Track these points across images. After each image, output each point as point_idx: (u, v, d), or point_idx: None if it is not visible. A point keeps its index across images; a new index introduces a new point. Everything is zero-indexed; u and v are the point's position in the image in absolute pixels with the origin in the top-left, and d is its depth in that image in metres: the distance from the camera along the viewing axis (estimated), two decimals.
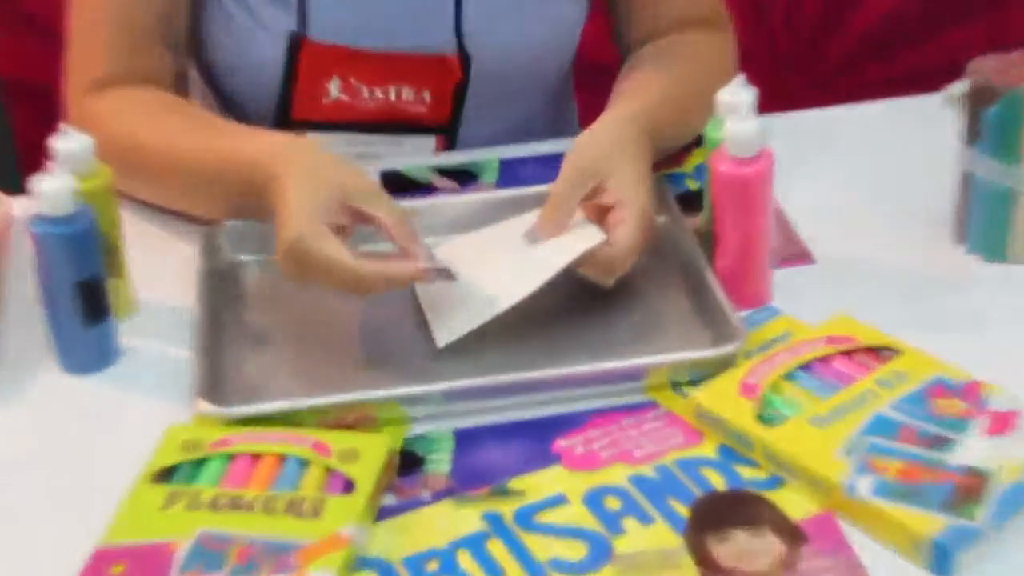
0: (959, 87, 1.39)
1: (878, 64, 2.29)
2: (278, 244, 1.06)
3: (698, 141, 1.35)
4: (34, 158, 1.20)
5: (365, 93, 1.35)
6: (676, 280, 1.17)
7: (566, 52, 1.42)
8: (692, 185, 1.30)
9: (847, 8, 2.22)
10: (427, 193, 1.32)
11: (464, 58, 1.35)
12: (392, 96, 1.36)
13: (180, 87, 1.35)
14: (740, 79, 1.15)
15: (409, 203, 1.19)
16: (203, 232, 1.20)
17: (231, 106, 1.41)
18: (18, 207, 1.26)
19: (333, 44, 1.32)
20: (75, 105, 1.30)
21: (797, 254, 1.21)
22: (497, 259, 1.13)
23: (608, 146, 1.16)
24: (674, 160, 1.34)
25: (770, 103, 1.20)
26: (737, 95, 1.12)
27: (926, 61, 2.29)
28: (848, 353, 1.05)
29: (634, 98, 1.29)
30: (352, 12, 1.33)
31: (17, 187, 1.21)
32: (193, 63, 1.43)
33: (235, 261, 1.21)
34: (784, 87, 2.11)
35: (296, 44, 1.31)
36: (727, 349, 1.04)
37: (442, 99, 1.37)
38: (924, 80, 2.14)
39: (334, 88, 1.34)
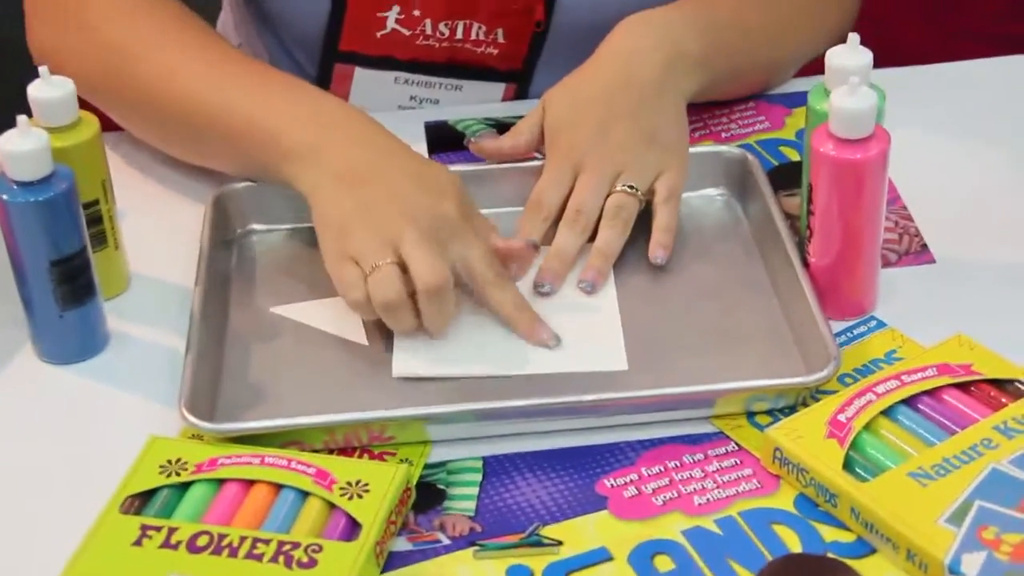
0: None
1: None
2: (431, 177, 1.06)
3: (798, 98, 1.29)
4: None
5: (427, 27, 1.32)
6: (760, 280, 1.11)
7: None
8: (792, 155, 1.22)
9: None
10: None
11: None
12: (459, 33, 1.33)
13: None
14: (854, 38, 1.05)
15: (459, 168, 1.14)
16: (212, 196, 1.17)
17: (274, 21, 1.38)
18: None
19: None
20: None
21: (913, 252, 1.14)
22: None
23: (600, 112, 1.15)
24: (773, 122, 1.27)
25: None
26: (848, 58, 1.04)
27: None
28: (965, 386, 0.98)
29: (688, 2, 1.25)
30: None
31: None
32: None
33: (246, 232, 1.18)
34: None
35: None
36: (817, 377, 0.97)
37: (517, 41, 1.34)
38: None
39: (391, 17, 1.31)
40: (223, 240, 1.15)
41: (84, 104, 1.14)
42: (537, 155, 1.20)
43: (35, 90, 1.02)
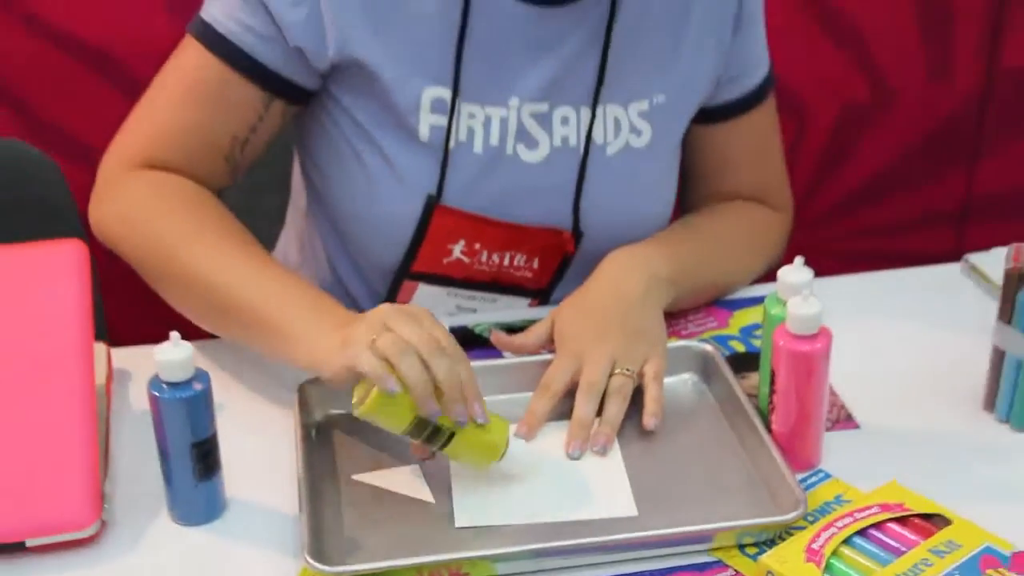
0: (977, 258, 1.46)
1: (868, 210, 2.36)
2: (363, 319, 1.10)
3: (738, 303, 1.40)
4: None
5: (483, 256, 1.37)
6: (733, 441, 1.19)
7: (666, 220, 1.44)
8: (739, 347, 1.33)
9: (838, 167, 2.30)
10: (485, 348, 1.32)
11: (577, 233, 1.37)
12: (506, 261, 1.38)
13: (221, 192, 1.33)
14: (799, 261, 1.16)
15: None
16: (297, 389, 1.21)
17: (354, 247, 1.41)
18: (118, 359, 1.30)
19: (464, 211, 1.33)
20: (117, 163, 1.29)
21: (841, 420, 1.22)
22: (539, 469, 1.16)
23: (598, 318, 1.23)
24: (720, 322, 1.37)
25: None
26: (799, 276, 1.14)
27: (909, 212, 2.37)
28: (902, 520, 1.06)
29: (665, 242, 1.35)
30: (485, 184, 1.33)
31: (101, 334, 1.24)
32: (315, 201, 1.43)
33: (327, 416, 1.22)
34: None
35: (431, 206, 1.32)
36: (793, 515, 1.05)
37: (548, 267, 1.40)
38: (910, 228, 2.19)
39: (457, 249, 1.35)
40: (310, 422, 1.20)
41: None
42: (544, 352, 1.26)
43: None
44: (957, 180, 2.36)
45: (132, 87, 1.99)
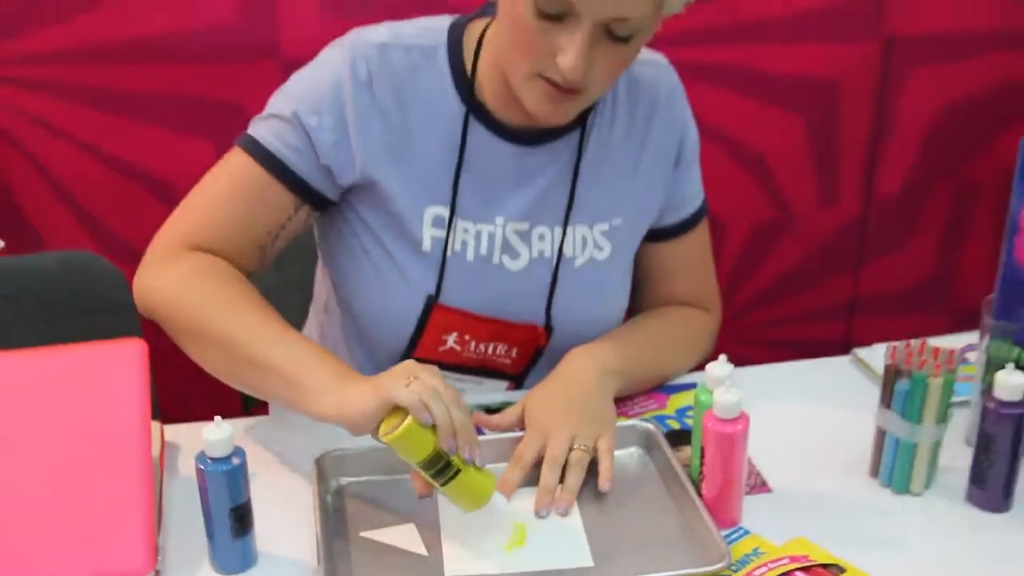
0: (863, 352, 1.47)
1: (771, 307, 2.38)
2: (392, 371, 1.09)
3: (674, 388, 1.40)
4: None
5: (472, 346, 1.35)
6: (671, 504, 1.18)
7: (620, 319, 1.43)
8: (675, 425, 1.33)
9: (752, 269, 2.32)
10: None
11: (549, 328, 1.36)
12: (490, 351, 1.37)
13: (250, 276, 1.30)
14: (723, 358, 1.17)
15: None
16: (315, 461, 1.20)
17: (365, 336, 1.38)
18: (168, 433, 1.29)
19: (460, 309, 1.32)
20: (165, 244, 1.27)
21: (758, 485, 1.23)
22: (512, 527, 1.15)
23: (560, 403, 1.23)
24: (659, 404, 1.37)
25: None
26: (722, 370, 1.16)
27: (807, 307, 2.38)
28: (807, 569, 1.07)
29: (616, 339, 1.35)
30: (475, 287, 1.33)
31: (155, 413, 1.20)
32: (334, 294, 1.41)
33: (340, 484, 1.21)
34: None
35: (430, 305, 1.31)
36: (719, 565, 1.05)
37: (524, 355, 1.39)
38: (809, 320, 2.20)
39: (451, 339, 1.34)
40: (325, 489, 1.18)
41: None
42: (517, 430, 1.25)
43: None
44: (844, 283, 2.38)
45: None
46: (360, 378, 1.13)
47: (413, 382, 1.06)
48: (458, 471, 1.09)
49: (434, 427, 1.07)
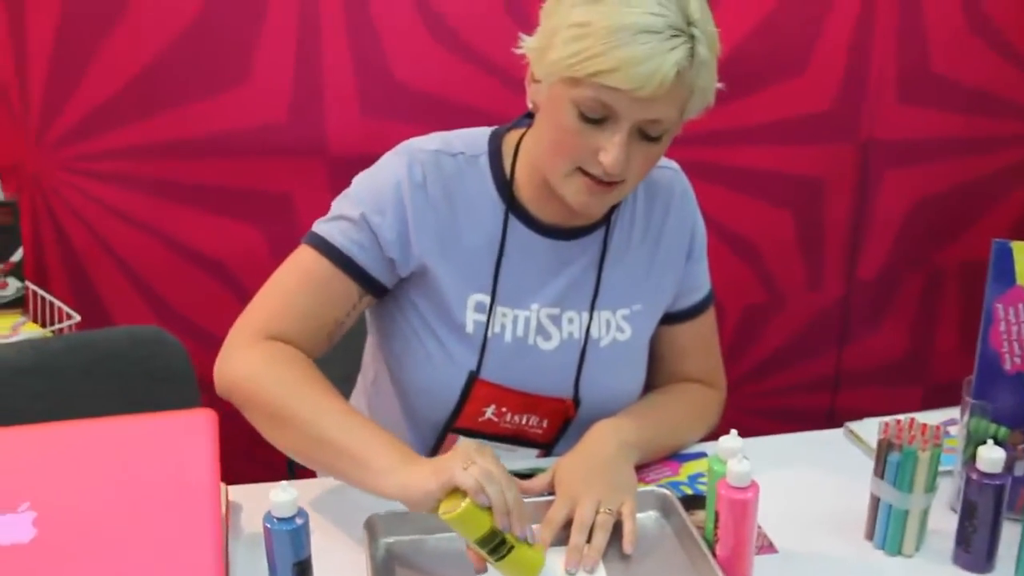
0: (855, 426, 1.48)
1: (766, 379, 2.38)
2: (454, 450, 1.09)
3: (686, 457, 1.40)
4: None
5: (508, 417, 1.35)
6: (686, 563, 1.17)
7: (639, 393, 1.42)
8: (688, 491, 1.32)
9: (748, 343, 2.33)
10: None
11: (576, 401, 1.36)
12: (524, 421, 1.36)
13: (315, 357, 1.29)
14: (734, 432, 1.17)
15: None
16: (365, 523, 1.20)
17: (412, 407, 1.37)
18: (236, 494, 1.29)
19: (498, 384, 1.32)
20: (243, 334, 1.26)
21: (766, 546, 1.22)
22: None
23: (586, 472, 1.23)
24: (673, 471, 1.37)
25: None
26: (734, 443, 1.16)
27: (796, 380, 2.39)
28: None
29: (635, 414, 1.35)
30: (511, 365, 1.33)
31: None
32: (384, 370, 1.40)
33: (388, 542, 1.20)
34: None
35: (472, 380, 1.31)
36: None
37: (553, 426, 1.38)
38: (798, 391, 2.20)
39: (489, 411, 1.34)
40: (375, 546, 1.18)
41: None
42: (547, 494, 1.25)
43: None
44: (829, 359, 2.38)
45: (239, 289, 2.05)
46: (420, 459, 1.13)
47: (471, 466, 1.06)
48: (512, 547, 1.08)
49: (489, 508, 1.07)
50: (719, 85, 1.19)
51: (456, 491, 1.07)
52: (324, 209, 1.32)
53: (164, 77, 1.93)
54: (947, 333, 2.39)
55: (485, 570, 1.12)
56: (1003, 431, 1.22)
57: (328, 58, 1.95)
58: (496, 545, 1.08)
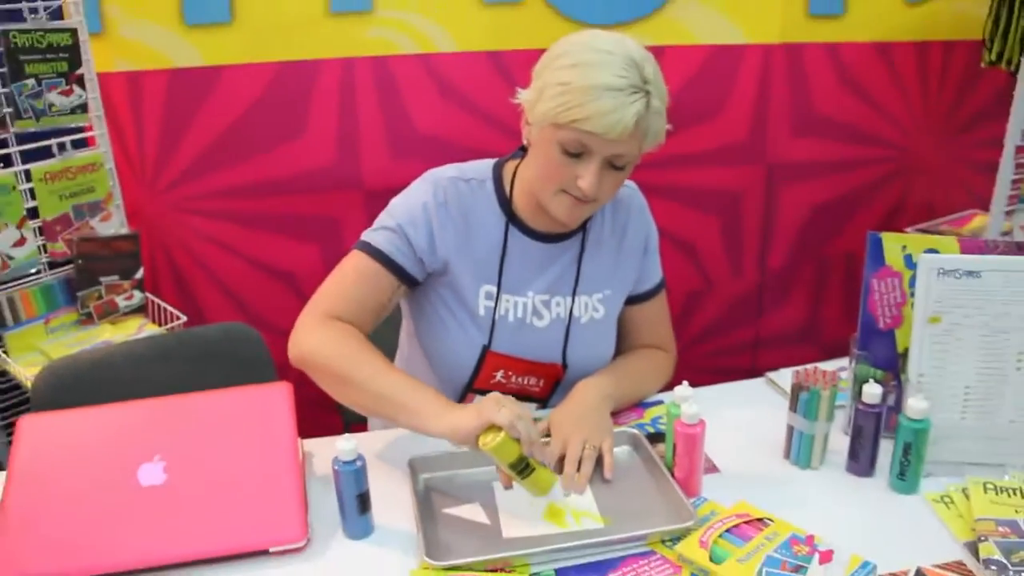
0: (773, 376, 1.47)
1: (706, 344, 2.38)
2: (487, 398, 1.08)
3: (648, 404, 1.38)
4: None
5: (513, 379, 1.33)
6: (652, 484, 1.17)
7: (610, 359, 1.39)
8: (651, 430, 1.31)
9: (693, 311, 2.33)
10: None
11: (565, 366, 1.34)
12: (524, 382, 1.34)
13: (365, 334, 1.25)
14: (685, 383, 1.16)
15: None
16: (408, 462, 1.19)
17: (438, 373, 1.34)
18: (308, 446, 1.28)
19: (504, 354, 1.31)
20: (311, 316, 1.23)
21: (711, 468, 1.21)
22: (545, 503, 1.13)
23: (574, 418, 1.22)
24: (638, 415, 1.35)
25: None
26: (686, 392, 1.16)
27: (724, 345, 2.38)
28: (748, 522, 1.07)
29: (609, 373, 1.33)
30: (514, 340, 1.31)
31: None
32: (417, 346, 1.36)
33: (426, 477, 1.19)
34: None
35: (484, 352, 1.30)
36: (690, 523, 1.05)
37: (547, 385, 1.36)
38: (726, 353, 2.18)
39: (499, 375, 1.32)
40: (417, 481, 1.17)
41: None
42: (545, 437, 1.22)
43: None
44: (749, 329, 2.37)
45: (300, 293, 2.04)
46: (461, 406, 1.12)
47: (503, 409, 1.06)
48: (534, 469, 1.09)
49: (518, 440, 1.07)
50: (668, 127, 1.20)
51: (491, 429, 1.07)
52: (362, 229, 1.31)
53: (241, 136, 1.92)
54: (834, 306, 2.37)
55: (511, 486, 1.12)
56: (880, 373, 1.22)
57: (363, 114, 1.94)
58: (523, 468, 1.08)
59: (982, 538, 1.03)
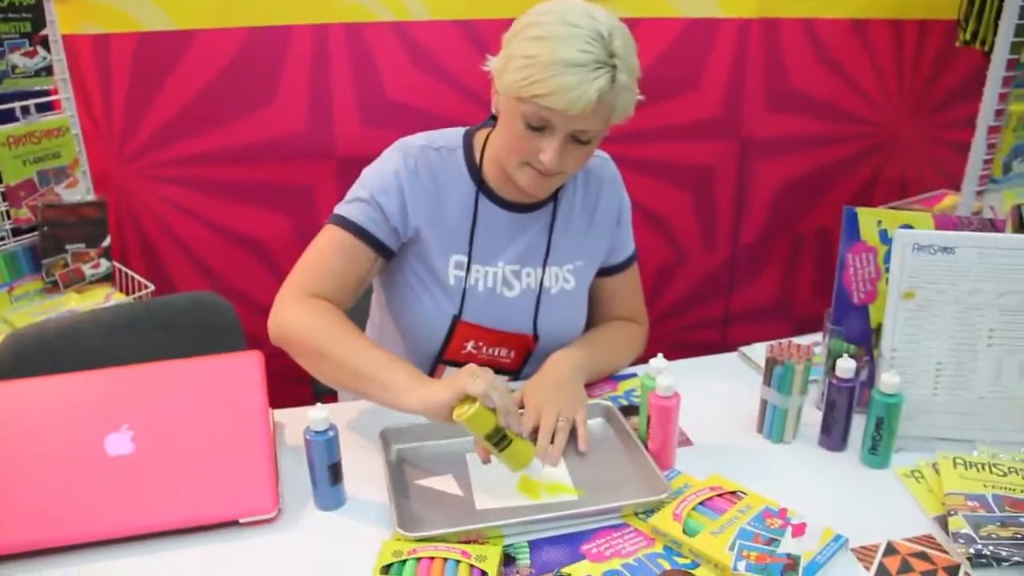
0: (746, 350, 1.48)
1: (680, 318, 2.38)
2: (462, 370, 1.06)
3: (621, 376, 1.38)
4: None
5: (484, 350, 1.33)
6: (626, 456, 1.17)
7: (581, 330, 1.38)
8: (624, 402, 1.31)
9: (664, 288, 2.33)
10: None
11: (536, 337, 1.33)
12: (495, 353, 1.34)
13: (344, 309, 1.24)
14: (660, 356, 1.16)
15: None
16: (380, 433, 1.19)
17: (409, 344, 1.33)
18: (279, 416, 1.26)
19: (475, 324, 1.30)
20: (289, 293, 1.21)
21: (685, 440, 1.22)
22: (519, 475, 1.12)
23: (548, 390, 1.21)
24: (612, 388, 1.36)
25: None
26: (661, 364, 1.16)
27: (697, 320, 2.38)
28: (721, 495, 1.07)
29: (582, 345, 1.33)
30: (485, 310, 1.30)
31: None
32: (388, 316, 1.35)
33: (399, 448, 1.19)
34: None
35: (455, 322, 1.29)
36: (663, 496, 1.05)
37: (519, 356, 1.35)
38: (697, 328, 2.18)
39: (469, 345, 1.31)
40: (389, 452, 1.15)
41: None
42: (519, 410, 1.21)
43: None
44: (719, 304, 2.38)
45: (272, 263, 2.02)
46: (433, 380, 1.10)
47: (477, 379, 1.04)
48: (511, 441, 1.07)
49: (493, 410, 1.05)
50: (640, 97, 1.18)
51: (465, 400, 1.05)
52: (336, 199, 1.29)
53: (211, 102, 1.88)
54: (806, 281, 2.39)
55: (489, 461, 1.11)
56: (853, 348, 1.22)
57: (335, 81, 1.91)
58: (499, 440, 1.06)
59: (951, 512, 1.04)
